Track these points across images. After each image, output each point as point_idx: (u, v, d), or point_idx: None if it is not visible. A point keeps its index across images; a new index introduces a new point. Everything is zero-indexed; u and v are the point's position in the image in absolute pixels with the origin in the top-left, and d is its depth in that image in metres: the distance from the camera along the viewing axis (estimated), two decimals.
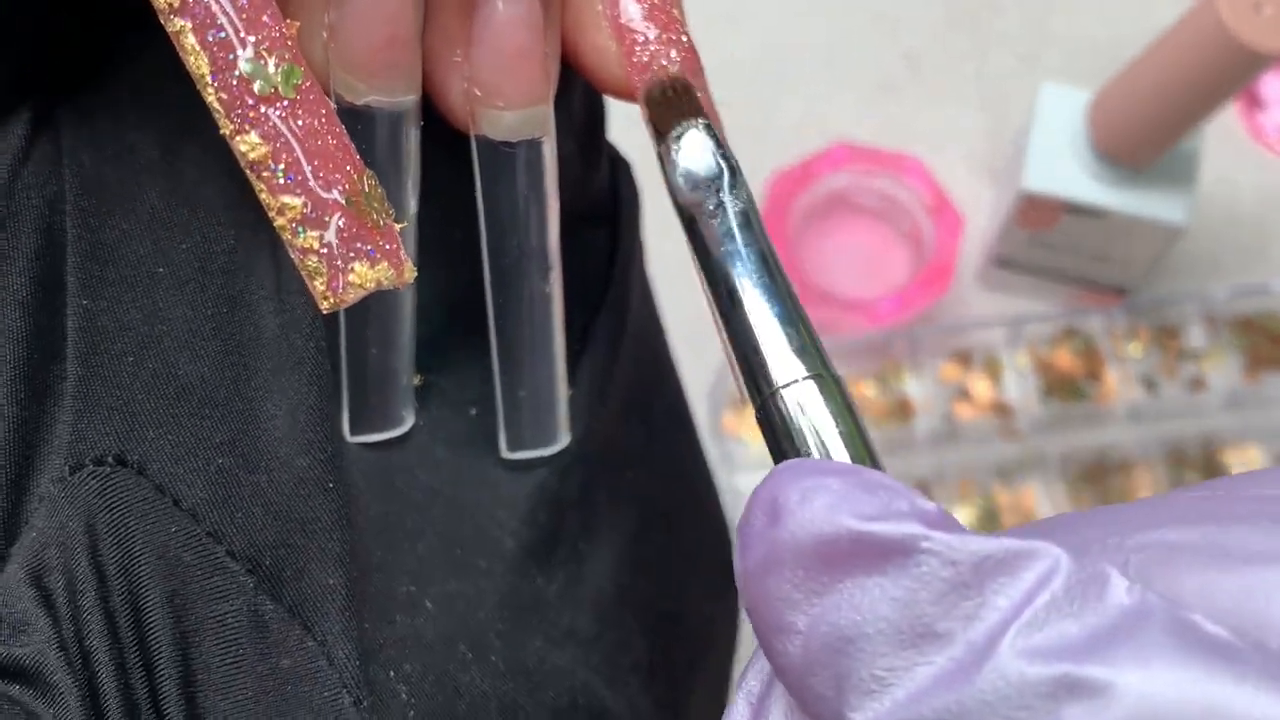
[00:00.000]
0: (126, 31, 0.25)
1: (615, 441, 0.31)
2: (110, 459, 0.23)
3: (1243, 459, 0.78)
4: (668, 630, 0.32)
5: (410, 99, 0.24)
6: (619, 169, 0.32)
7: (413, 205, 0.25)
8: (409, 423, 0.27)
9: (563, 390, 0.28)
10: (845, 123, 0.86)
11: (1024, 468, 0.78)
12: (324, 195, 0.20)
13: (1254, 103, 0.86)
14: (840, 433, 0.20)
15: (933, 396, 0.79)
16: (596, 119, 0.31)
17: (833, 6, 0.89)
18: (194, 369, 0.24)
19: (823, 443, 0.20)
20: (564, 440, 0.28)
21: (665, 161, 0.24)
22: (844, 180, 0.81)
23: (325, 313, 0.21)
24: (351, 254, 0.21)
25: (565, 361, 0.28)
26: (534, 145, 0.25)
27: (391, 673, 0.24)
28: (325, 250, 0.20)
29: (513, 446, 0.28)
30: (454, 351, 0.29)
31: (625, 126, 0.33)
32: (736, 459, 0.77)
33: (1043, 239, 0.76)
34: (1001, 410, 0.79)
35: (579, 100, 0.29)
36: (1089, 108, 0.71)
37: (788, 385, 0.21)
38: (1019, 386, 0.79)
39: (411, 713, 0.24)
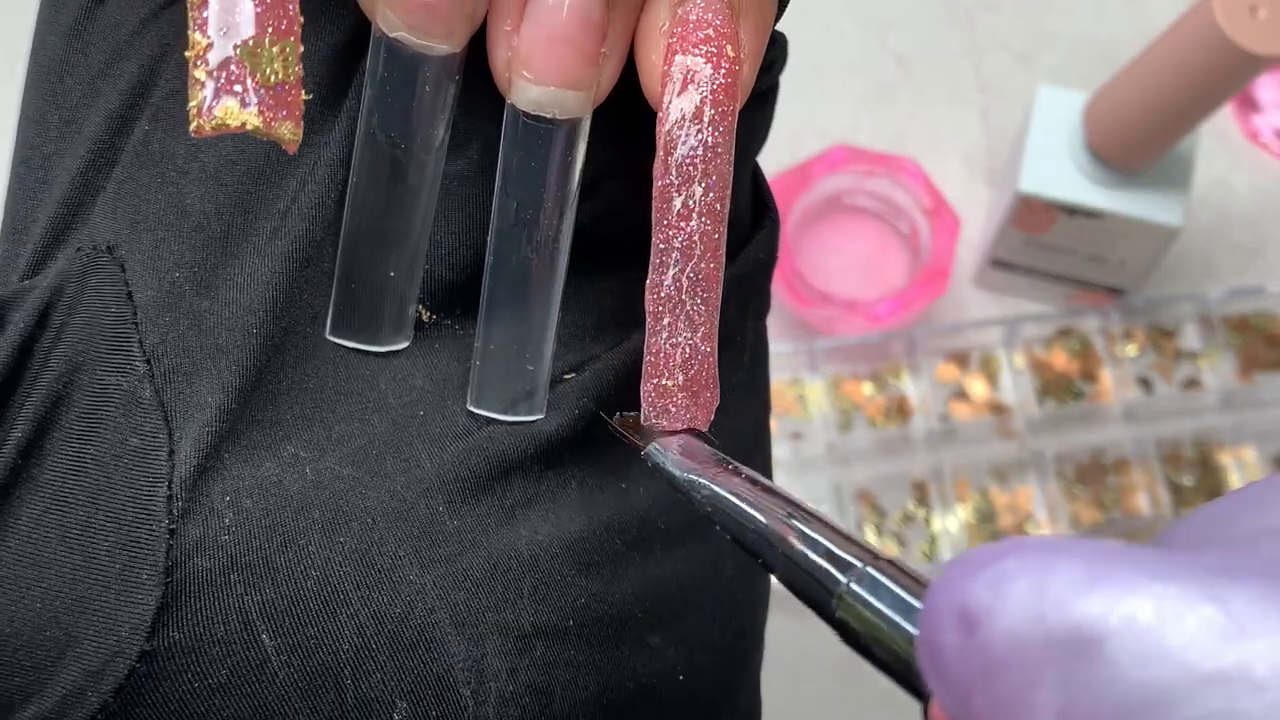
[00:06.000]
0: None
1: (619, 457, 0.30)
2: (105, 248, 0.27)
3: (1238, 459, 0.78)
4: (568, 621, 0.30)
5: (442, 48, 0.25)
6: (773, 230, 0.33)
7: (439, 136, 0.27)
8: (394, 345, 0.28)
9: (541, 366, 0.28)
10: (843, 125, 0.86)
11: (1020, 467, 0.78)
12: (224, 41, 0.23)
13: (1249, 105, 0.86)
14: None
15: (930, 397, 0.79)
16: (759, 183, 0.32)
17: (830, 8, 0.90)
18: (202, 205, 0.27)
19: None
20: (531, 414, 0.28)
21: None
22: (842, 182, 0.81)
23: (193, 134, 0.23)
24: (227, 93, 0.23)
25: (550, 341, 0.28)
26: (556, 126, 0.26)
27: (228, 499, 0.25)
28: (209, 79, 0.23)
29: (473, 400, 0.28)
30: (471, 301, 0.29)
31: None
32: None
33: (1039, 240, 0.76)
34: (998, 410, 0.79)
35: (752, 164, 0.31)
36: (1085, 110, 0.72)
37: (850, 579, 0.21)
38: (1015, 387, 0.79)
39: (227, 536, 0.25)
